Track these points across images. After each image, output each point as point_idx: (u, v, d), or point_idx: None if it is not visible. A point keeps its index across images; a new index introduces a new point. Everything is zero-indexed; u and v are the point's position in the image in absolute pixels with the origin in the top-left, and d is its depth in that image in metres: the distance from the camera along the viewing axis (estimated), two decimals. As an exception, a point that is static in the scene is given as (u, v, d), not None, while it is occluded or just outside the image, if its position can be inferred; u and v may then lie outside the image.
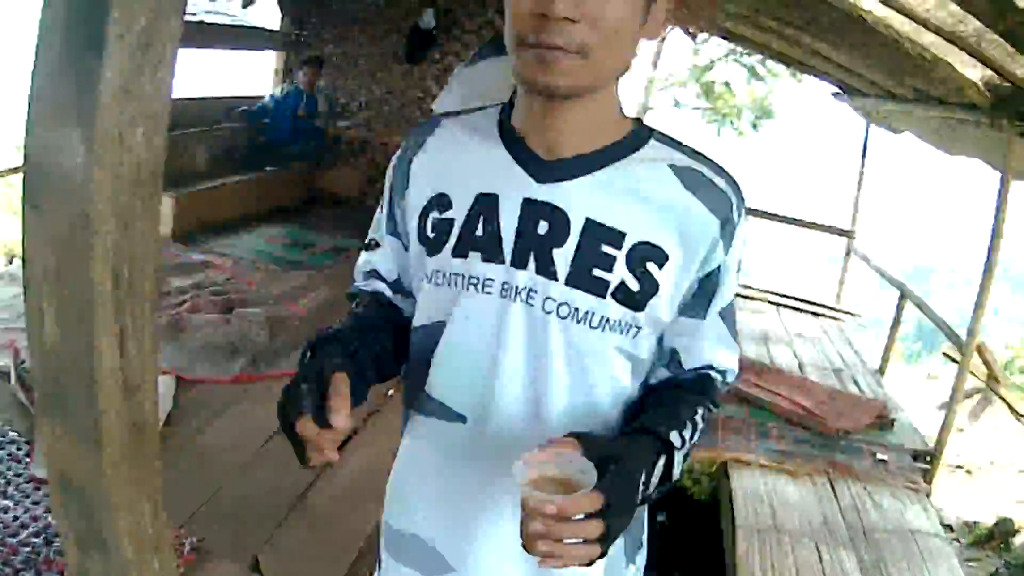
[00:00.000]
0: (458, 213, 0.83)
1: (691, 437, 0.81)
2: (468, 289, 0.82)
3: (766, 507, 2.95)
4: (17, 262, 4.07)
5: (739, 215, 0.82)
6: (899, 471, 3.29)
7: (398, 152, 0.93)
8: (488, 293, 0.81)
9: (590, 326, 0.80)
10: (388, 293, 0.96)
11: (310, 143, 5.97)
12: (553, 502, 0.63)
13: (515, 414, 0.82)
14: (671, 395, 0.86)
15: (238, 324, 3.13)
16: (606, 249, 0.79)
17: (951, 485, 4.66)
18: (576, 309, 0.79)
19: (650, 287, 0.80)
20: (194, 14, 5.49)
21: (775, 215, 6.37)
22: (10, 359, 2.60)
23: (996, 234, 3.35)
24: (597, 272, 0.79)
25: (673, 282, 0.81)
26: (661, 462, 0.75)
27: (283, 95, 5.82)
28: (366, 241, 0.99)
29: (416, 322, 0.90)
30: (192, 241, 4.42)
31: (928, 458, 3.51)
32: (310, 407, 0.69)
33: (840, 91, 5.24)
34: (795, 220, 6.57)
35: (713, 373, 0.89)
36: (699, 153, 0.84)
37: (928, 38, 2.71)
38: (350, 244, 4.79)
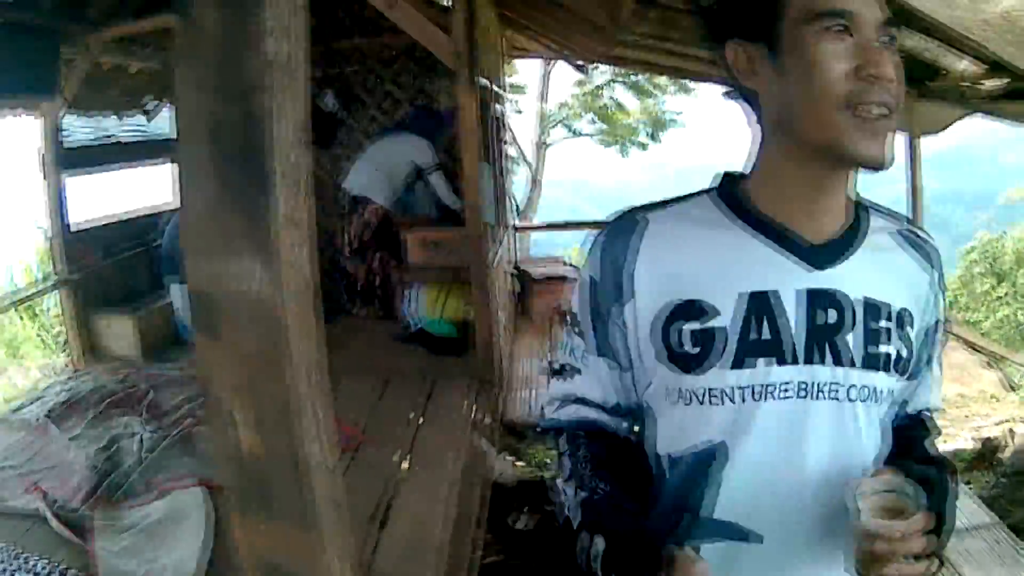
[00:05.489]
0: (726, 319, 0.76)
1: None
2: (764, 400, 0.76)
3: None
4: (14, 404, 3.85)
5: (941, 265, 0.85)
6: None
7: (593, 264, 0.84)
8: (786, 398, 0.76)
9: (883, 403, 0.80)
10: (604, 418, 0.89)
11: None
12: (894, 527, 0.68)
13: (823, 517, 0.78)
14: (909, 437, 0.88)
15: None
16: (883, 324, 0.78)
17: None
18: (876, 390, 0.78)
19: (911, 351, 0.80)
20: (110, 136, 5.42)
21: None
22: (41, 502, 2.53)
23: (914, 190, 3.67)
24: (883, 348, 0.77)
25: (917, 340, 0.82)
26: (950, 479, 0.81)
27: None
28: (555, 367, 0.93)
29: (668, 448, 0.83)
30: (161, 358, 4.35)
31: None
32: None
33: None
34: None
35: (927, 413, 0.91)
36: (896, 212, 0.87)
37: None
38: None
